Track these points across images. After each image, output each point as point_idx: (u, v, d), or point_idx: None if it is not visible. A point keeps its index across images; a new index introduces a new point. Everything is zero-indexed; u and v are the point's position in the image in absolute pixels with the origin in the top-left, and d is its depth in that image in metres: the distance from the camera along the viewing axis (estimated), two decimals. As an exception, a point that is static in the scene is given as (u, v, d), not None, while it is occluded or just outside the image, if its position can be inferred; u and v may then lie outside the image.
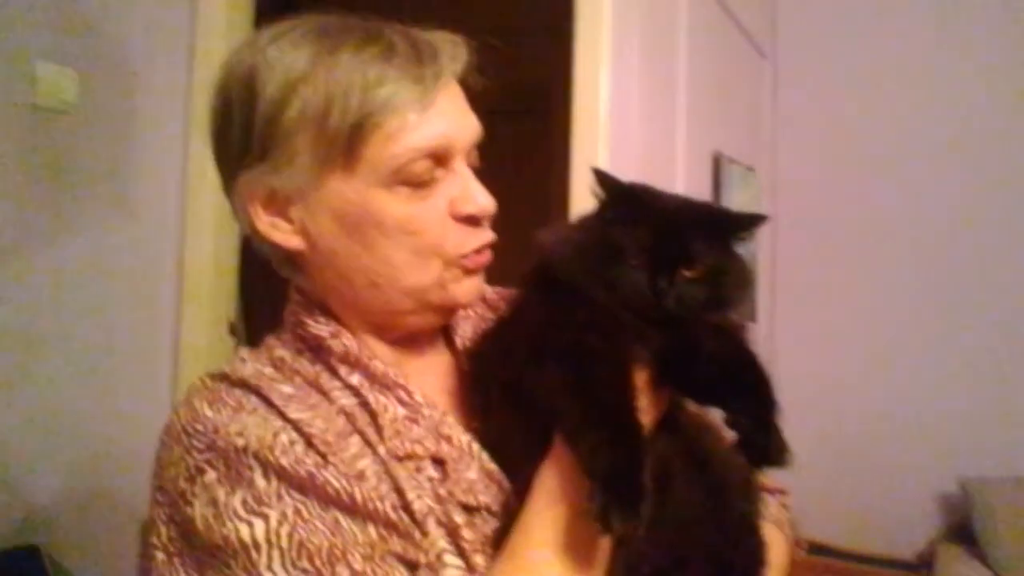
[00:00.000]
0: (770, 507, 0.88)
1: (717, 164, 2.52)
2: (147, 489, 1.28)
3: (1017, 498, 2.64)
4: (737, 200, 2.65)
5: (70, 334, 1.93)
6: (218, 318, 2.11)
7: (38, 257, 1.89)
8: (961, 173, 2.91)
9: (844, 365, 3.07)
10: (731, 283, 0.73)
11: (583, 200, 1.75)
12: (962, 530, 2.70)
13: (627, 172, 1.82)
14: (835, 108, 3.11)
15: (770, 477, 0.90)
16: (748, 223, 0.74)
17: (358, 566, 0.60)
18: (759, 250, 3.01)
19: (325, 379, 0.71)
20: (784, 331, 3.14)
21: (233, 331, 2.09)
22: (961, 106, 2.91)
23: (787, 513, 0.91)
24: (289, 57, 0.69)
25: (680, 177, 2.22)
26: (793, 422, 2.39)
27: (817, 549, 2.89)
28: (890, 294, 3.02)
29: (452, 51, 0.72)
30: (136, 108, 2.05)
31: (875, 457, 2.99)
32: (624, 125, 1.93)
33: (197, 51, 2.10)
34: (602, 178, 0.72)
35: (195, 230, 2.11)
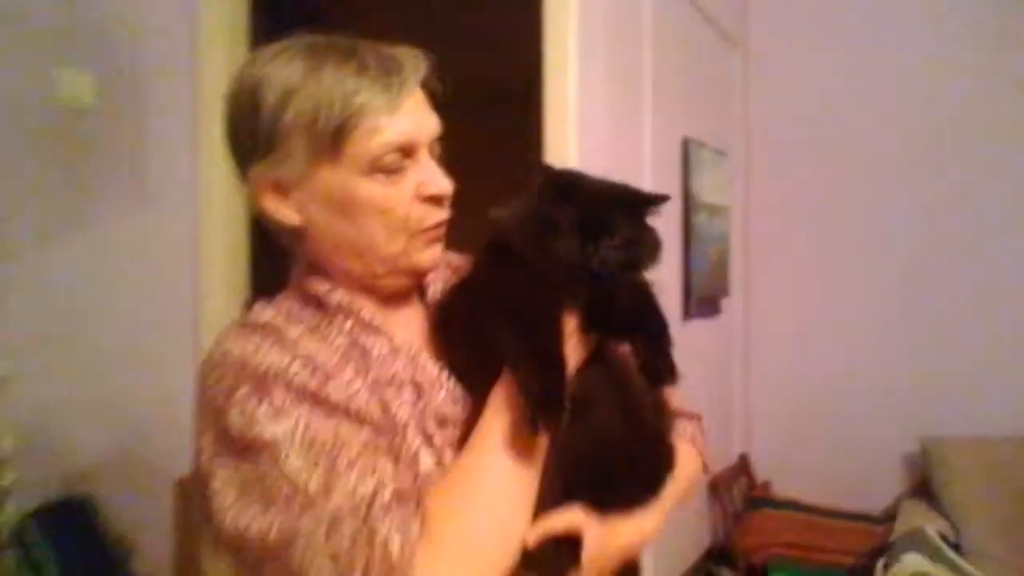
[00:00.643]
0: (687, 428, 1.05)
1: (686, 149, 2.65)
2: (175, 448, 1.50)
3: (973, 456, 2.81)
4: (708, 183, 2.79)
5: (105, 312, 2.11)
6: (232, 295, 2.25)
7: (71, 243, 2.05)
8: (927, 158, 3.05)
9: (814, 336, 3.22)
10: (644, 249, 0.88)
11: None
12: (925, 487, 2.88)
13: (595, 157, 1.98)
14: (807, 92, 3.23)
15: (687, 404, 1.09)
16: (656, 201, 0.90)
17: (354, 455, 0.78)
18: (732, 228, 3.16)
19: (324, 325, 0.89)
20: (758, 304, 3.31)
21: (248, 307, 2.27)
22: (932, 91, 3.04)
23: (700, 435, 1.09)
24: (284, 73, 0.85)
25: (647, 161, 2.34)
26: (766, 389, 2.66)
27: (790, 504, 3.05)
28: (857, 268, 3.17)
29: (414, 63, 0.88)
30: (148, 107, 2.21)
31: (843, 420, 3.15)
32: (591, 114, 2.04)
33: (201, 54, 2.23)
34: (543, 168, 0.90)
35: (207, 217, 2.25)
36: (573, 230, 0.85)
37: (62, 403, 2.02)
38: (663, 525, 0.94)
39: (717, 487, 2.94)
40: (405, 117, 0.86)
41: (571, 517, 0.84)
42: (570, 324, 0.86)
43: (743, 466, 3.21)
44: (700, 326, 2.85)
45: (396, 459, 0.81)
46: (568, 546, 0.83)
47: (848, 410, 3.15)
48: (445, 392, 0.89)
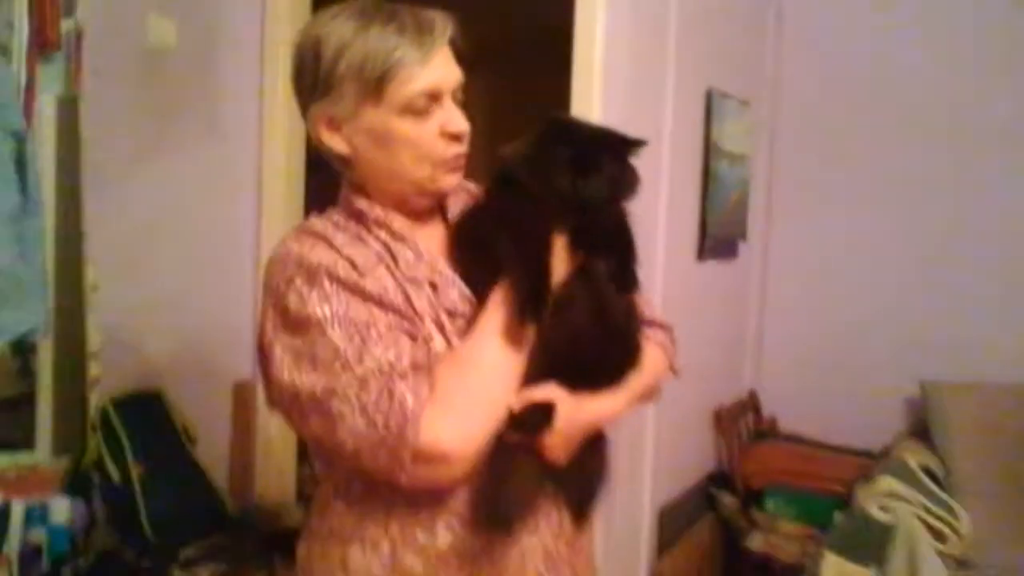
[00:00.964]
0: (657, 335, 1.24)
1: (709, 99, 2.76)
2: (235, 352, 1.73)
3: (969, 400, 2.93)
4: (730, 131, 2.90)
5: (178, 229, 2.31)
6: (290, 216, 2.48)
7: (153, 169, 2.24)
8: (949, 113, 3.12)
9: (827, 282, 3.35)
10: (624, 184, 1.08)
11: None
12: (923, 428, 3.00)
13: (616, 104, 2.15)
14: (839, 47, 3.30)
15: (662, 317, 1.29)
16: (636, 144, 1.08)
17: (382, 333, 0.99)
18: (753, 176, 3.27)
19: (363, 234, 1.10)
20: (776, 250, 3.44)
21: None
22: (963, 46, 3.10)
23: (671, 343, 1.29)
24: (339, 31, 1.05)
25: (669, 110, 2.47)
26: (779, 330, 2.87)
27: (793, 438, 3.24)
28: (871, 220, 3.27)
29: (443, 25, 1.07)
30: (221, 50, 2.39)
31: (850, 362, 3.28)
32: (615, 63, 2.16)
33: (267, 6, 2.44)
34: (546, 115, 1.08)
35: (270, 147, 2.47)
36: (566, 166, 1.03)
37: (141, 308, 2.21)
38: (625, 408, 1.14)
39: (722, 418, 3.12)
40: (434, 69, 1.04)
41: (548, 391, 1.04)
42: (558, 242, 1.07)
43: (752, 401, 3.40)
44: (715, 267, 3.01)
45: (414, 339, 1.02)
46: (544, 412, 1.03)
47: (855, 353, 3.28)
48: (456, 291, 1.10)
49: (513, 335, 1.04)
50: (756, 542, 2.90)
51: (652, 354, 1.20)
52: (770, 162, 3.44)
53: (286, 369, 1.01)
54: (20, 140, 1.81)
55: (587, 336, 1.09)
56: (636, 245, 1.13)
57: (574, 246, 1.08)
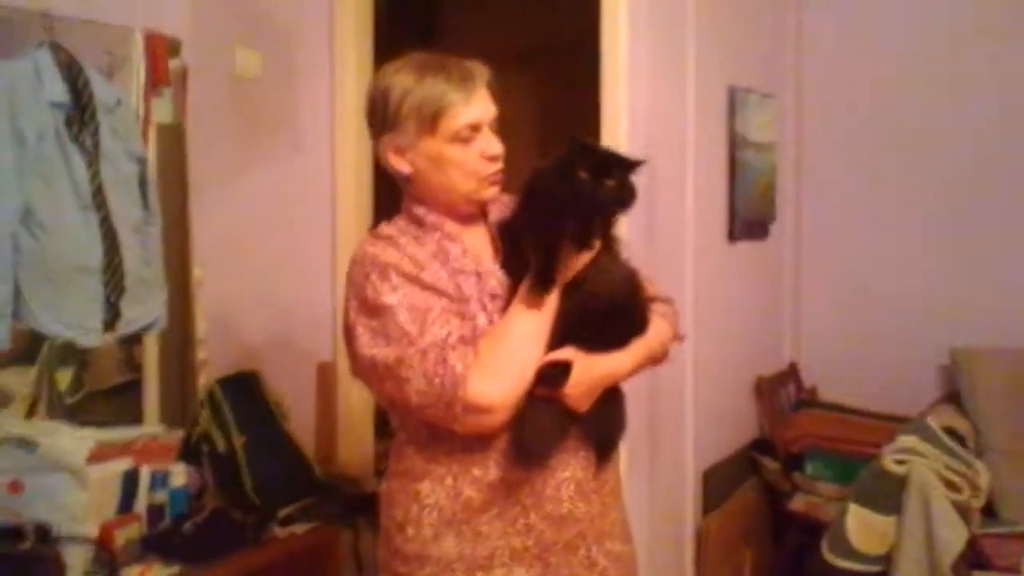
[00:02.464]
0: (659, 307, 1.46)
1: (732, 96, 2.93)
2: (317, 337, 2.00)
3: (998, 365, 3.03)
4: (754, 122, 3.06)
5: (267, 233, 2.58)
6: (359, 221, 2.73)
7: (244, 182, 2.52)
8: (974, 93, 3.21)
9: (860, 256, 3.46)
10: (627, 192, 1.31)
11: (611, 127, 2.26)
12: (955, 394, 3.10)
13: (641, 107, 2.35)
14: (860, 38, 3.39)
15: (664, 292, 1.52)
16: (635, 164, 1.29)
17: (437, 314, 1.25)
18: (780, 161, 3.40)
19: (422, 235, 1.34)
20: (808, 228, 3.57)
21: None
22: (984, 30, 3.18)
23: (672, 313, 1.49)
24: (402, 81, 1.31)
25: (691, 108, 2.64)
26: (816, 303, 3.05)
27: (832, 406, 3.36)
28: (900, 194, 3.38)
29: (481, 73, 1.35)
30: (299, 77, 2.67)
31: (885, 332, 3.39)
32: (638, 68, 2.33)
33: (336, 38, 2.70)
34: (571, 138, 1.31)
35: (342, 161, 2.73)
36: (589, 174, 1.27)
37: (238, 299, 2.47)
38: (633, 366, 1.35)
39: (762, 387, 3.28)
40: (474, 107, 1.31)
41: (566, 352, 1.27)
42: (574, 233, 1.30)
43: (792, 372, 3.54)
44: (747, 247, 3.18)
45: (462, 319, 1.27)
46: (562, 368, 1.26)
47: (889, 325, 3.38)
48: (496, 279, 1.35)
49: (536, 309, 1.29)
50: (798, 503, 3.05)
51: (656, 323, 1.42)
52: (797, 148, 3.56)
53: (366, 345, 1.29)
54: (142, 164, 2.16)
55: (598, 308, 1.33)
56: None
57: (588, 235, 1.31)
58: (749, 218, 3.17)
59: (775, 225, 3.45)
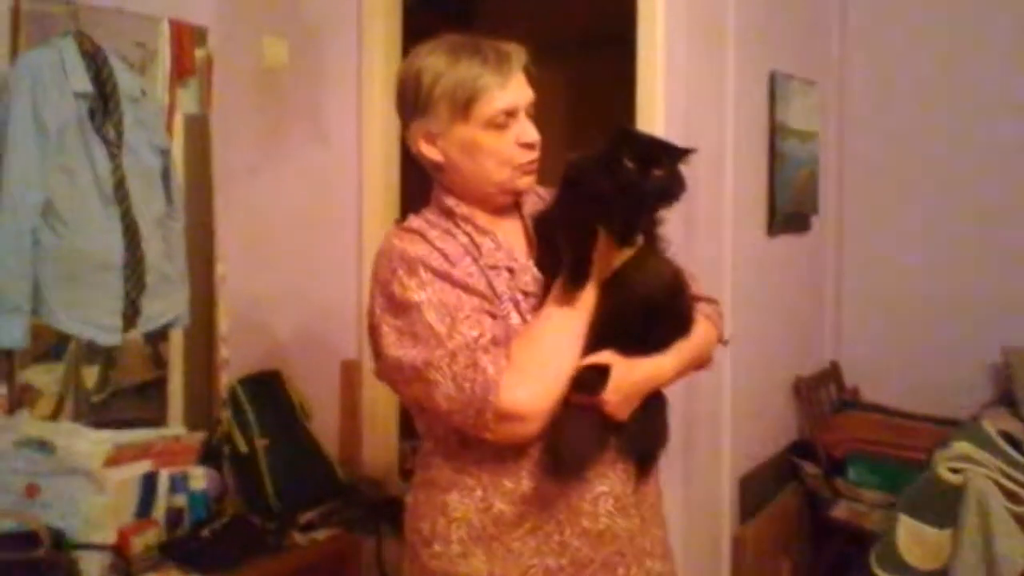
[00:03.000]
0: (704, 308, 1.38)
1: (773, 81, 2.82)
2: (342, 334, 1.86)
3: None
4: (796, 110, 2.95)
5: (292, 227, 2.54)
6: (387, 216, 2.68)
7: (270, 175, 2.48)
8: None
9: (904, 251, 3.35)
10: (676, 182, 1.22)
11: (645, 108, 2.16)
12: (1008, 395, 2.97)
13: (679, 95, 2.25)
14: (903, 27, 3.30)
15: (708, 293, 1.43)
16: (684, 152, 1.20)
17: (468, 313, 1.18)
18: (822, 151, 3.31)
19: (452, 228, 1.27)
20: (851, 222, 3.46)
21: (399, 223, 2.62)
22: None
23: (717, 315, 1.43)
24: (435, 63, 1.25)
25: (730, 95, 2.55)
26: (858, 300, 2.91)
27: (875, 408, 3.25)
28: (947, 187, 3.25)
29: (517, 55, 1.27)
30: (326, 67, 2.62)
31: (931, 331, 3.27)
32: (677, 55, 2.26)
33: (364, 27, 2.65)
34: (616, 125, 1.24)
35: (369, 153, 2.68)
36: (636, 163, 1.18)
37: (262, 297, 2.44)
38: (675, 370, 1.28)
39: (801, 388, 3.17)
40: (510, 92, 1.24)
41: (604, 355, 1.20)
42: (601, 235, 1.22)
43: (834, 372, 3.42)
44: (787, 241, 3.06)
45: (494, 318, 1.20)
46: (600, 373, 1.18)
47: (936, 322, 3.26)
48: (530, 275, 1.27)
49: (571, 308, 1.21)
50: (841, 511, 2.95)
51: (700, 325, 1.34)
52: (840, 138, 3.45)
53: (392, 345, 1.21)
54: (166, 156, 2.11)
55: (637, 310, 1.25)
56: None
57: (632, 229, 1.23)
58: (789, 210, 3.05)
59: (816, 218, 3.34)
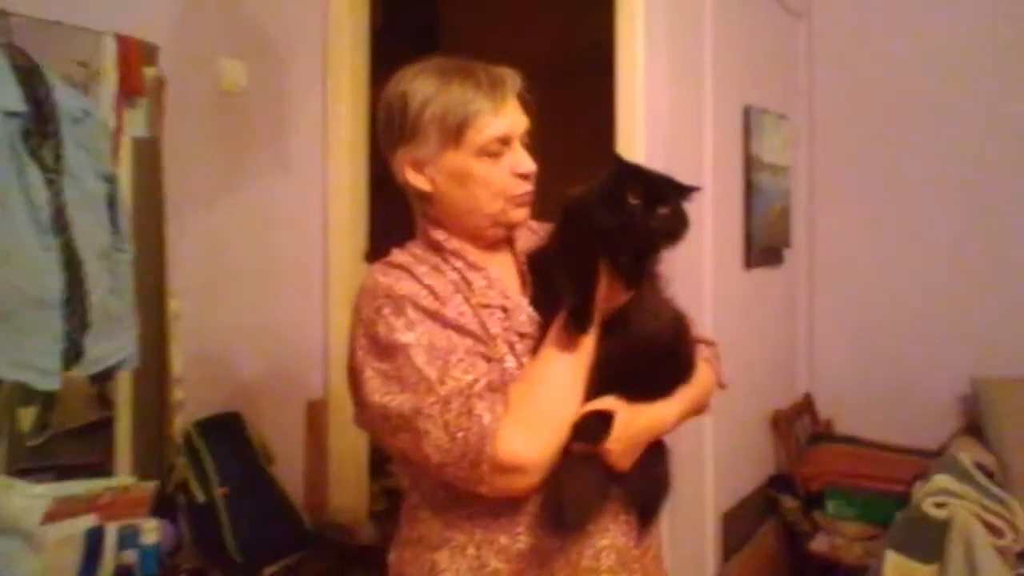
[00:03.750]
0: (703, 351, 1.32)
1: (747, 115, 2.83)
2: (307, 374, 1.76)
3: (1018, 394, 2.92)
4: (769, 144, 2.96)
5: (252, 258, 2.43)
6: (354, 242, 2.58)
7: (228, 202, 2.36)
8: (987, 118, 3.13)
9: (875, 285, 3.36)
10: (681, 218, 1.16)
11: (625, 142, 2.10)
12: (976, 425, 2.99)
13: (659, 127, 2.23)
14: (870, 59, 3.33)
15: (707, 335, 1.38)
16: (690, 190, 1.15)
17: (461, 356, 1.09)
18: (794, 185, 3.32)
19: (441, 264, 1.20)
20: (822, 256, 3.47)
21: (367, 258, 2.54)
22: (995, 52, 3.11)
23: (716, 358, 1.36)
24: (424, 86, 1.17)
25: (708, 128, 2.53)
26: (830, 333, 2.91)
27: (849, 440, 3.23)
28: (916, 222, 3.28)
29: (512, 80, 1.20)
30: (288, 90, 2.52)
31: (902, 363, 3.30)
32: (656, 88, 2.24)
33: (330, 49, 2.55)
34: (616, 157, 1.17)
35: (334, 177, 2.57)
36: (640, 200, 1.12)
37: (219, 334, 2.33)
38: (679, 417, 1.22)
39: (779, 422, 3.15)
40: (504, 118, 1.17)
41: (607, 401, 1.12)
42: (603, 273, 1.14)
43: (807, 404, 3.42)
44: (762, 274, 3.06)
45: (489, 360, 1.12)
46: (603, 421, 1.11)
47: (906, 354, 3.29)
48: (525, 316, 1.19)
49: (572, 352, 1.13)
50: (820, 544, 2.92)
51: (702, 370, 1.28)
52: (810, 171, 3.48)
53: (376, 391, 1.11)
54: (111, 182, 1.96)
55: (641, 354, 1.18)
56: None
57: (639, 269, 1.16)
58: (764, 243, 3.06)
59: (789, 251, 3.34)
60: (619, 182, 1.13)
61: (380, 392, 1.11)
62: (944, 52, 3.22)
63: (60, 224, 1.80)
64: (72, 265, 1.82)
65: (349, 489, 2.63)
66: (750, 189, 2.90)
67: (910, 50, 3.28)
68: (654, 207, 1.12)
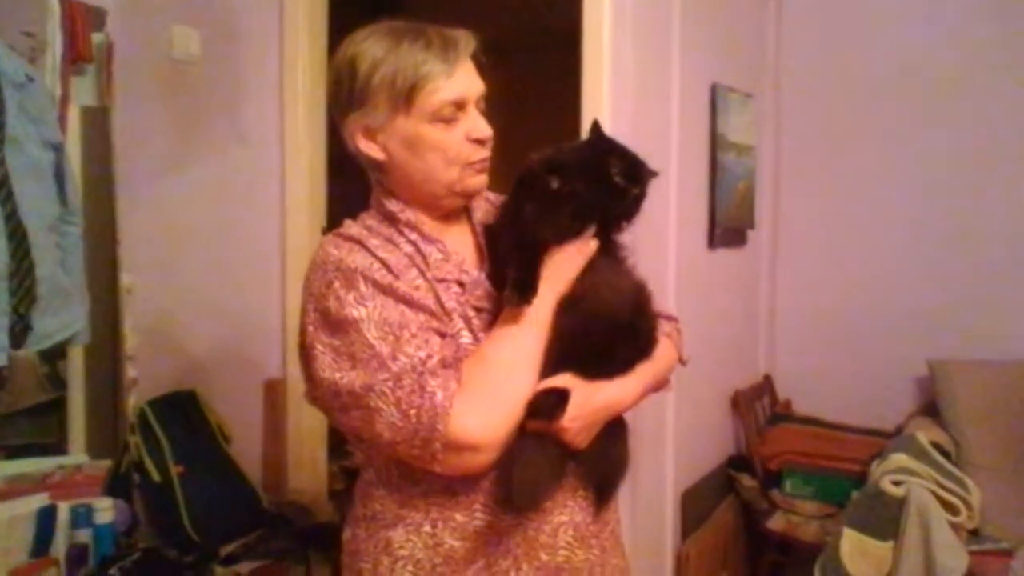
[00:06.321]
0: (664, 327, 1.30)
1: (714, 93, 2.82)
2: (264, 352, 1.74)
3: (975, 378, 2.98)
4: (735, 123, 2.95)
5: (207, 232, 2.37)
6: (313, 216, 2.52)
7: (181, 175, 2.31)
8: (950, 101, 3.15)
9: (835, 268, 3.39)
10: (642, 199, 1.18)
11: (590, 118, 2.08)
12: (932, 406, 3.04)
13: (626, 103, 2.19)
14: (838, 39, 3.34)
15: (669, 309, 1.37)
16: (654, 174, 1.19)
17: (414, 332, 1.06)
18: (759, 166, 3.32)
19: (395, 236, 1.16)
20: (784, 237, 3.48)
21: (326, 233, 2.52)
22: (959, 34, 3.13)
23: (677, 333, 1.35)
24: (373, 48, 1.13)
25: (675, 105, 2.52)
26: (790, 315, 2.92)
27: (808, 420, 3.27)
28: (877, 206, 3.31)
29: (466, 41, 1.15)
30: (243, 58, 2.45)
31: (860, 345, 3.33)
32: (623, 64, 2.21)
33: (286, 17, 2.48)
34: (595, 124, 1.19)
35: (292, 152, 2.51)
36: (621, 172, 1.16)
37: (174, 310, 2.29)
38: (638, 394, 1.20)
39: (739, 402, 3.17)
40: (458, 81, 1.13)
41: (563, 378, 1.10)
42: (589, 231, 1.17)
43: (767, 385, 3.45)
44: (725, 255, 3.06)
45: (444, 336, 1.09)
46: (558, 398, 1.09)
47: (865, 336, 3.33)
48: (482, 290, 1.17)
49: (526, 327, 1.11)
50: (777, 522, 2.96)
51: (663, 346, 1.26)
52: (776, 151, 3.48)
53: (327, 367, 1.08)
54: (58, 152, 1.89)
55: (598, 329, 1.16)
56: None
57: (608, 227, 1.19)
58: (728, 224, 3.05)
59: (752, 232, 3.34)
60: (603, 156, 1.15)
61: (331, 368, 1.08)
62: (910, 36, 3.23)
63: (3, 194, 1.75)
64: (16, 237, 1.77)
65: (308, 469, 2.60)
66: (715, 168, 2.89)
67: (878, 33, 3.29)
68: (630, 187, 1.14)
